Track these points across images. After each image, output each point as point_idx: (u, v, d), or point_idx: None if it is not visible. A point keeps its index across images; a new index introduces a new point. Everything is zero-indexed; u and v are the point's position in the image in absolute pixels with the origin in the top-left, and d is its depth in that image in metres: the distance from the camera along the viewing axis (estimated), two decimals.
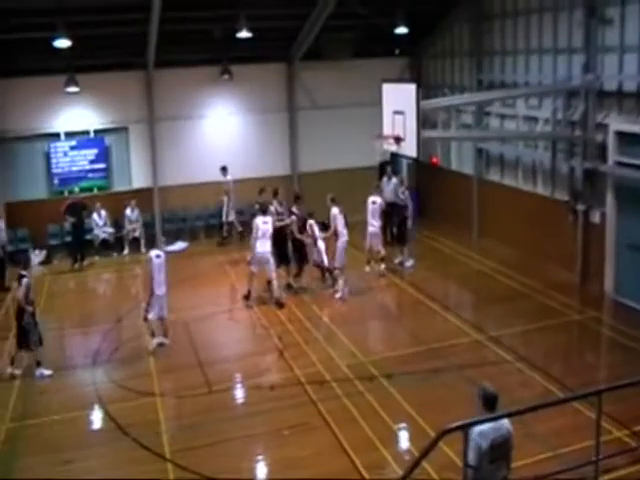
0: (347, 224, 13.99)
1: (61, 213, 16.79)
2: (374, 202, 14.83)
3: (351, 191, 15.90)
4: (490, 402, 5.55)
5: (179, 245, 18.19)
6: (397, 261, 15.57)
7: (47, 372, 10.78)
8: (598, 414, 5.66)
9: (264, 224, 13.39)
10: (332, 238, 13.92)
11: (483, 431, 5.47)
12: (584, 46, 13.26)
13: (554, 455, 7.49)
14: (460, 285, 14.84)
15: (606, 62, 12.90)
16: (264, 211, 13.74)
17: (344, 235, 13.82)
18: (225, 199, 17.85)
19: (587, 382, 9.27)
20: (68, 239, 17.40)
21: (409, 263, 15.49)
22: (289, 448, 8.55)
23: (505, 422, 5.63)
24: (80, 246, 16.98)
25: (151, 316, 11.59)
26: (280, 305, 13.36)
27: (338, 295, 13.54)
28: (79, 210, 16.96)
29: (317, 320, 12.69)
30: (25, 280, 10.71)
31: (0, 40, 15.60)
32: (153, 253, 11.71)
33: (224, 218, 18.06)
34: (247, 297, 13.68)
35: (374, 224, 14.76)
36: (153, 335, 11.63)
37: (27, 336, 10.66)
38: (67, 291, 15.47)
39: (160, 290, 11.54)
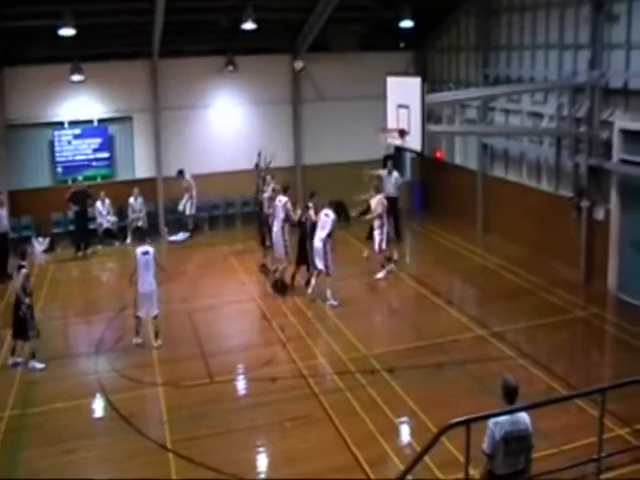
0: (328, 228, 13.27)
1: (65, 201, 16.74)
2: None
3: (354, 184, 15.83)
4: (509, 393, 5.69)
5: (181, 235, 18.16)
6: (396, 257, 15.31)
7: (39, 365, 10.60)
8: (601, 412, 5.66)
9: (278, 202, 13.70)
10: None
11: (499, 421, 5.59)
12: (590, 42, 13.17)
13: (558, 452, 7.46)
14: (464, 280, 14.79)
15: (612, 59, 12.80)
16: (285, 190, 13.99)
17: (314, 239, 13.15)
18: (186, 195, 17.89)
19: (590, 380, 9.26)
20: (72, 227, 17.37)
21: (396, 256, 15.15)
22: (291, 440, 8.54)
23: (524, 418, 5.70)
24: (84, 234, 16.95)
25: (140, 314, 11.29)
26: (276, 288, 13.47)
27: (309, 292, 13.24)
28: (83, 198, 16.88)
29: (320, 313, 12.63)
30: (23, 271, 10.62)
31: (7, 28, 15.55)
32: (139, 250, 11.32)
33: (182, 210, 18.06)
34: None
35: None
36: (137, 333, 11.34)
37: (24, 326, 10.55)
38: (70, 279, 15.46)
39: (144, 288, 11.14)
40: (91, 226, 17.34)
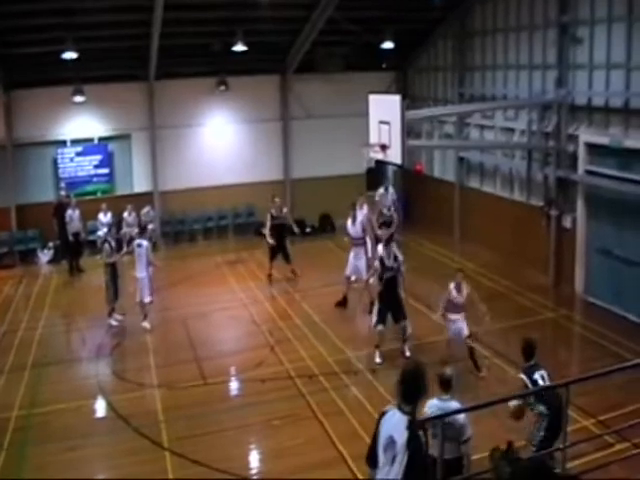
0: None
1: (51, 215, 16.32)
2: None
3: (340, 197, 15.95)
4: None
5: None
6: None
7: (119, 317, 12.48)
8: (565, 404, 5.78)
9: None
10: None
11: (431, 405, 6.10)
12: (557, 63, 13.43)
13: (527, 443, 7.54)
14: (442, 286, 14.72)
15: (577, 78, 13.06)
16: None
17: None
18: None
19: (560, 376, 9.12)
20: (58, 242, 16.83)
21: None
22: (280, 438, 8.61)
23: (453, 404, 6.11)
24: (69, 251, 16.33)
25: (145, 299, 12.26)
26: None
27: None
28: (62, 211, 16.24)
29: (306, 317, 12.69)
30: (105, 245, 12.68)
31: (14, 54, 15.67)
32: (136, 242, 12.54)
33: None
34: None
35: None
36: (145, 317, 12.26)
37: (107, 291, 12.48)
38: (72, 289, 15.45)
39: (138, 273, 12.26)
40: (90, 238, 17.32)
